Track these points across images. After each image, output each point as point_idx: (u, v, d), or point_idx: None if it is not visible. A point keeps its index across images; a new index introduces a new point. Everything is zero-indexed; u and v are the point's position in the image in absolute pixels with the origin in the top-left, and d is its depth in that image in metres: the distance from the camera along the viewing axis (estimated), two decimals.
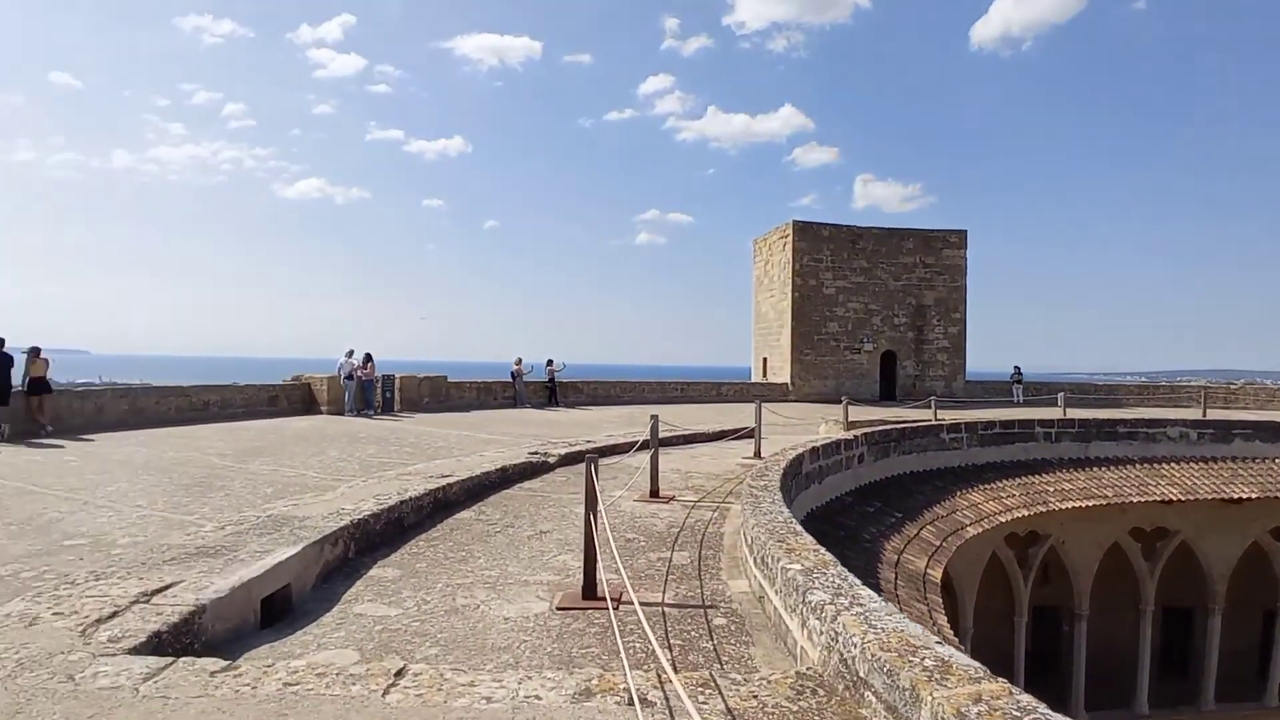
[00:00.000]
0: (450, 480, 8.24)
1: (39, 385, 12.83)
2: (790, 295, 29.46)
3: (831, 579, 4.22)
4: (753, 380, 32.99)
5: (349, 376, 18.25)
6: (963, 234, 30.75)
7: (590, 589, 5.26)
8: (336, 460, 11.46)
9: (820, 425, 19.51)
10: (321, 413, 18.35)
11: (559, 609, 5.07)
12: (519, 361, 23.36)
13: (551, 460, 10.62)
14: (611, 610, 4.49)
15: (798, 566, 4.41)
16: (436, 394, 20.95)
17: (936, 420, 17.27)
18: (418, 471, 9.04)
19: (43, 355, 12.97)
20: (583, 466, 5.46)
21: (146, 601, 4.29)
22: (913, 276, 30.56)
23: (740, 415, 22.15)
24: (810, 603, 3.94)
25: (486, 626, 4.77)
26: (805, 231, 29.66)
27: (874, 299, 30.33)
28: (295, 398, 18.32)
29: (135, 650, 3.67)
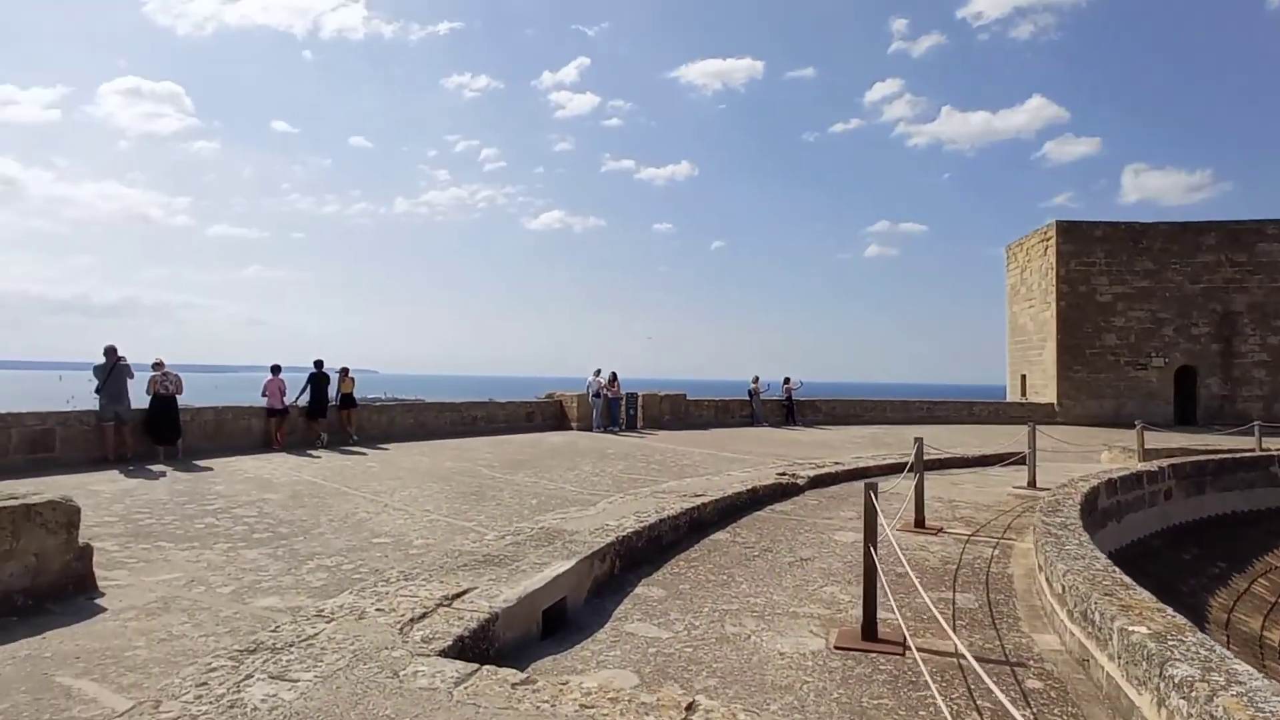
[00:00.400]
0: (703, 500, 8.16)
1: (348, 400, 14.95)
2: (1055, 304, 26.25)
3: (1194, 649, 3.44)
4: (1009, 400, 29.86)
5: (596, 394, 19.20)
6: None
7: (870, 629, 4.82)
8: (590, 475, 11.98)
9: (1102, 453, 17.05)
10: (572, 428, 19.48)
11: (837, 648, 4.69)
12: (756, 380, 23.15)
13: (800, 482, 10.21)
14: (902, 657, 4.04)
15: (1144, 630, 3.66)
16: (676, 412, 21.37)
17: (1264, 450, 14.30)
18: (670, 490, 9.10)
19: (350, 375, 15.10)
20: (835, 489, 5.09)
21: (449, 605, 4.59)
22: (1216, 278, 25.83)
23: (999, 438, 20.05)
24: (1171, 678, 3.21)
25: (762, 660, 4.53)
26: (1071, 232, 26.33)
27: (1164, 306, 26.08)
28: (549, 414, 19.65)
29: (444, 653, 3.90)
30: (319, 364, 14.83)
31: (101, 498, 8.83)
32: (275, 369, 14.13)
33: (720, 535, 7.76)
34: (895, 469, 12.05)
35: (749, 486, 9.31)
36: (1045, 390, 27.11)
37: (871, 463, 12.83)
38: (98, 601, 5.35)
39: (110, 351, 11.40)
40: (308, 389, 14.47)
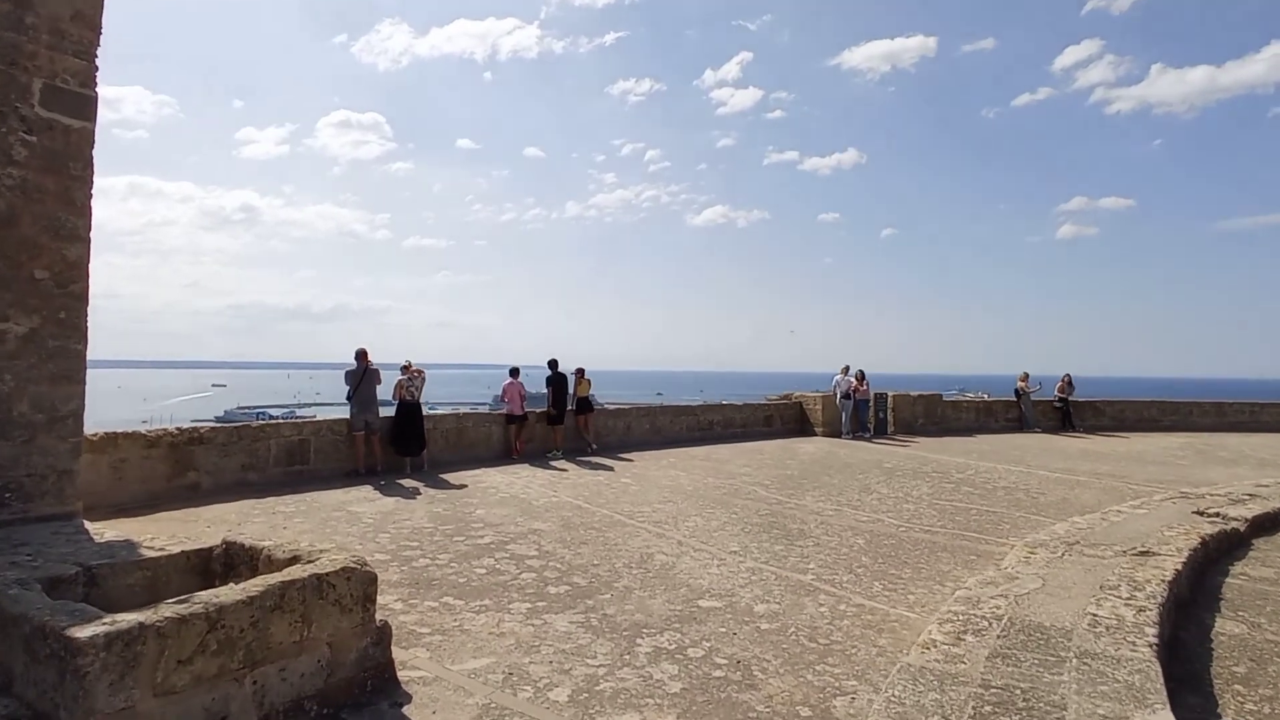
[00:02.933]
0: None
1: (584, 404, 13.52)
2: None
3: None
4: None
5: (846, 395, 16.67)
6: None
7: None
8: (898, 501, 9.56)
9: None
10: (815, 434, 17.09)
11: None
12: (1025, 377, 19.50)
13: (1240, 527, 7.20)
14: None
15: None
16: (931, 414, 18.34)
17: None
18: (1098, 540, 6.47)
19: (586, 376, 13.67)
20: None
21: None
22: None
23: None
24: None
25: None
26: None
27: None
28: (788, 417, 17.39)
29: None
30: (554, 364, 13.49)
31: (364, 523, 7.67)
32: (514, 371, 12.93)
33: None
34: None
35: (1198, 538, 6.46)
36: None
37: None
38: (405, 710, 3.75)
39: (361, 355, 10.55)
40: (548, 392, 13.18)
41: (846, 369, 16.89)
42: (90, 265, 7.01)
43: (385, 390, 10.82)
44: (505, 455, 12.47)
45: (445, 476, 10.47)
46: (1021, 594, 4.82)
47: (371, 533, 7.28)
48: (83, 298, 6.96)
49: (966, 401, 19.30)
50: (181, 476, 8.43)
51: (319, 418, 10.35)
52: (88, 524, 6.65)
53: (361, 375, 10.33)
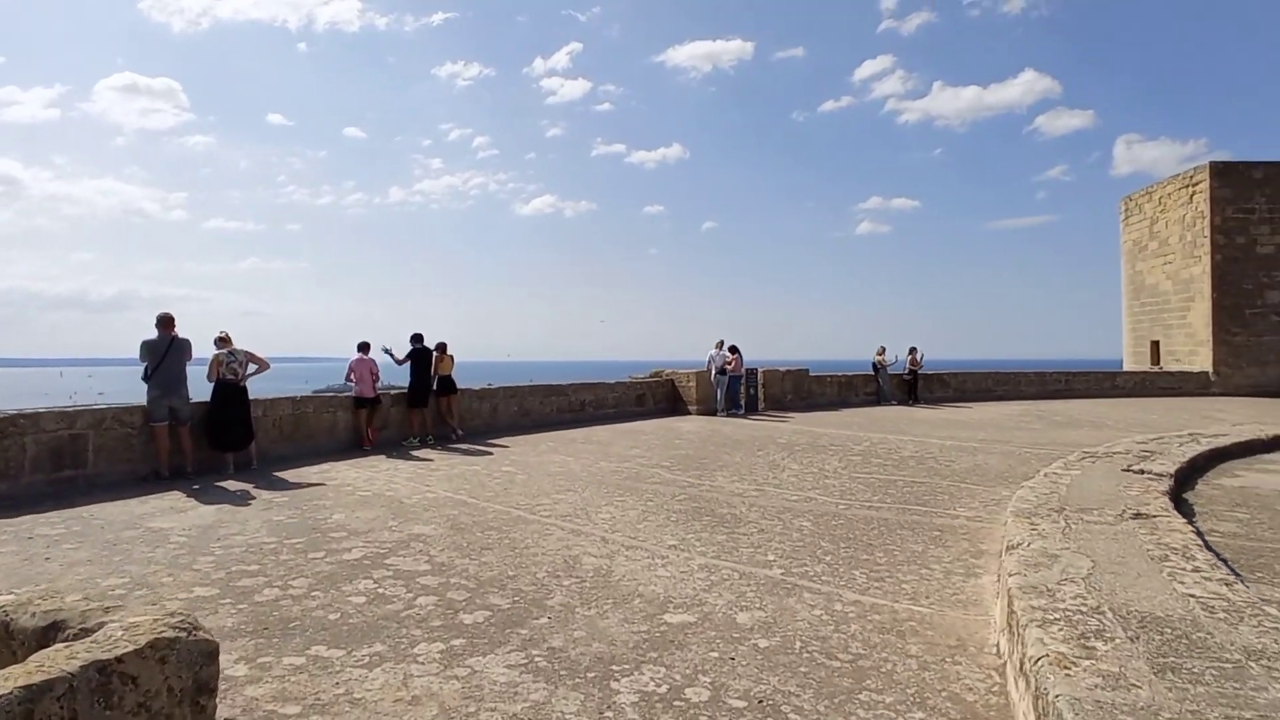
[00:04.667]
0: None
1: (448, 385, 11.65)
2: (1208, 258, 22.87)
3: None
4: (1127, 369, 26.53)
5: (721, 371, 15.89)
6: None
7: None
8: (816, 478, 8.75)
9: None
10: (689, 412, 16.20)
11: None
12: (882, 351, 19.84)
13: (1170, 484, 6.99)
14: None
15: None
16: (799, 390, 18.10)
17: None
18: (1080, 505, 5.83)
19: (449, 353, 11.80)
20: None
21: None
22: None
23: (1179, 413, 16.83)
24: None
25: None
26: (1228, 174, 22.87)
27: None
28: (660, 395, 16.37)
29: None
30: (418, 338, 11.49)
31: (173, 544, 5.57)
32: (364, 346, 10.79)
33: None
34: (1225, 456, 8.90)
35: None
36: (1192, 358, 23.80)
37: (1151, 448, 9.58)
38: None
39: (165, 322, 8.05)
40: (410, 369, 11.16)
41: (721, 344, 16.15)
42: None
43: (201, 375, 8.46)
44: (355, 446, 10.39)
45: (283, 475, 8.34)
46: (1081, 574, 3.94)
47: (186, 557, 5.25)
48: None
49: (830, 377, 19.34)
50: None
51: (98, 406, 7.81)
52: None
53: (165, 349, 7.91)
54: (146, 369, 7.86)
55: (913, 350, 20.39)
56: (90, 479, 7.30)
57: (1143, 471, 7.56)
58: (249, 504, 6.91)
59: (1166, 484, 6.97)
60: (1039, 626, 3.25)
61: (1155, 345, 25.82)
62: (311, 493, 7.48)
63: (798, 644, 3.97)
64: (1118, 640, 3.09)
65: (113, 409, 7.62)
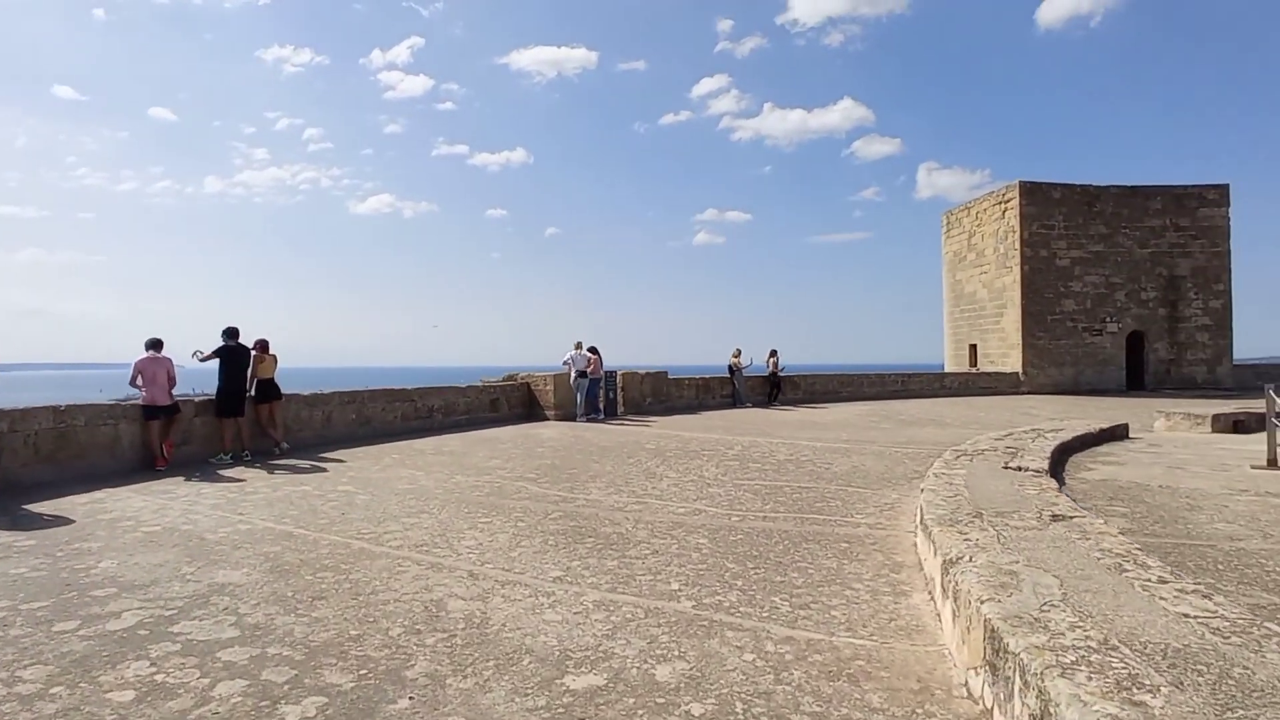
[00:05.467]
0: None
1: (270, 389, 9.84)
2: (1019, 269, 24.96)
3: None
4: (949, 371, 28.57)
5: (582, 374, 14.93)
6: (1224, 189, 25.54)
7: None
8: (698, 486, 8.05)
9: (1158, 421, 15.12)
10: (547, 417, 15.09)
11: None
12: (738, 354, 19.74)
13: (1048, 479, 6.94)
14: None
15: None
16: (658, 393, 17.52)
17: None
18: (988, 509, 5.42)
19: (271, 351, 9.98)
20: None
21: None
22: (1162, 242, 25.61)
23: (1002, 410, 18.06)
24: None
25: None
26: (1034, 193, 25.10)
27: (1116, 270, 25.54)
28: (515, 400, 15.13)
29: None
30: (233, 333, 9.56)
31: None
32: (155, 344, 8.76)
33: None
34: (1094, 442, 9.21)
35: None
36: (1005, 360, 25.88)
37: (995, 442, 9.81)
38: None
39: None
40: (220, 370, 9.23)
41: (580, 345, 15.21)
42: None
43: None
44: (145, 467, 8.41)
45: (33, 508, 6.41)
46: (1058, 596, 3.39)
47: None
48: None
49: (688, 380, 18.97)
50: None
51: None
52: None
53: None
54: None
55: (773, 353, 20.51)
56: None
57: (1021, 469, 7.49)
58: None
59: (1051, 481, 6.89)
60: (1062, 676, 2.59)
61: (974, 348, 27.94)
62: (72, 531, 5.72)
63: (739, 706, 3.13)
64: (1164, 690, 2.48)
65: None
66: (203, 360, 9.24)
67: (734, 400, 19.66)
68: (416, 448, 10.85)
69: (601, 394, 15.89)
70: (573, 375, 15.03)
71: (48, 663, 3.41)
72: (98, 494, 7.08)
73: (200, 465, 8.87)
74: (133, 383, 8.45)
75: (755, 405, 19.50)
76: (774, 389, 20.31)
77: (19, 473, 7.11)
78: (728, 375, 19.91)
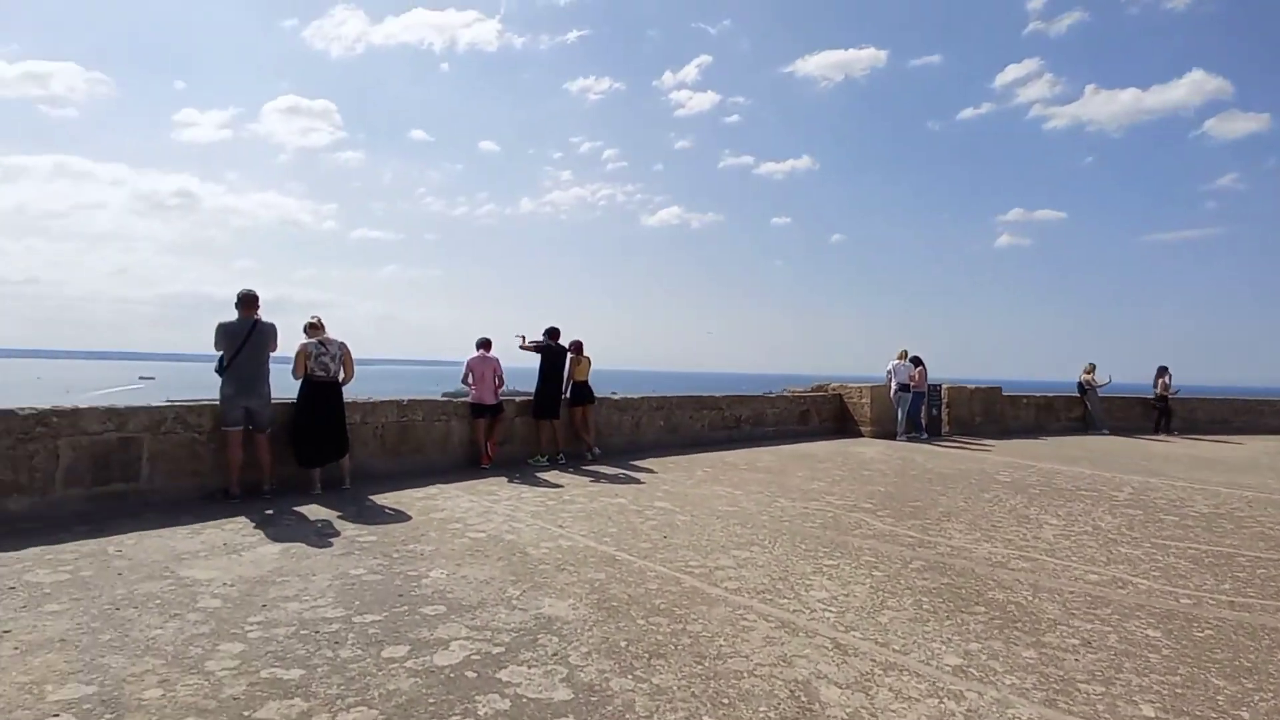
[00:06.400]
0: None
1: (584, 392, 9.68)
2: None
3: None
4: None
5: (904, 387, 13.14)
6: None
7: None
8: (1103, 543, 6.05)
9: None
10: (862, 434, 13.53)
11: None
12: (1091, 369, 16.32)
13: None
14: None
15: None
16: (989, 412, 15.00)
17: None
18: None
19: (585, 353, 9.83)
20: None
21: None
22: None
23: None
24: None
25: None
26: None
27: None
28: (827, 413, 13.82)
29: None
30: (553, 333, 9.58)
31: (198, 613, 3.74)
32: (484, 343, 8.99)
33: None
34: None
35: None
36: None
37: None
38: None
39: (246, 302, 6.43)
40: (539, 371, 9.27)
41: (904, 354, 13.39)
42: None
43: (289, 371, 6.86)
44: (471, 464, 8.56)
45: (378, 500, 6.56)
46: None
47: (204, 642, 3.39)
48: None
49: (1026, 398, 16.04)
50: None
51: (165, 400, 6.30)
52: None
53: (245, 335, 6.32)
54: (221, 360, 6.29)
55: (1163, 371, 16.64)
56: (143, 495, 5.76)
57: None
58: (325, 545, 5.08)
59: None
60: None
61: None
62: (408, 530, 5.60)
63: None
64: None
65: (174, 408, 6.09)
66: (523, 347, 9.26)
67: (1085, 424, 16.25)
68: (728, 460, 10.01)
69: (924, 410, 13.88)
70: (893, 388, 13.24)
71: (372, 704, 2.88)
72: (431, 489, 7.15)
73: (519, 466, 8.85)
74: (464, 380, 8.66)
75: (1114, 432, 15.91)
76: (1162, 416, 16.44)
77: (368, 462, 7.48)
78: (1077, 395, 16.52)
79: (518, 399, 9.40)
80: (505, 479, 7.97)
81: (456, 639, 3.55)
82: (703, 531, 5.97)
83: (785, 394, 13.79)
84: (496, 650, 3.44)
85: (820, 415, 13.72)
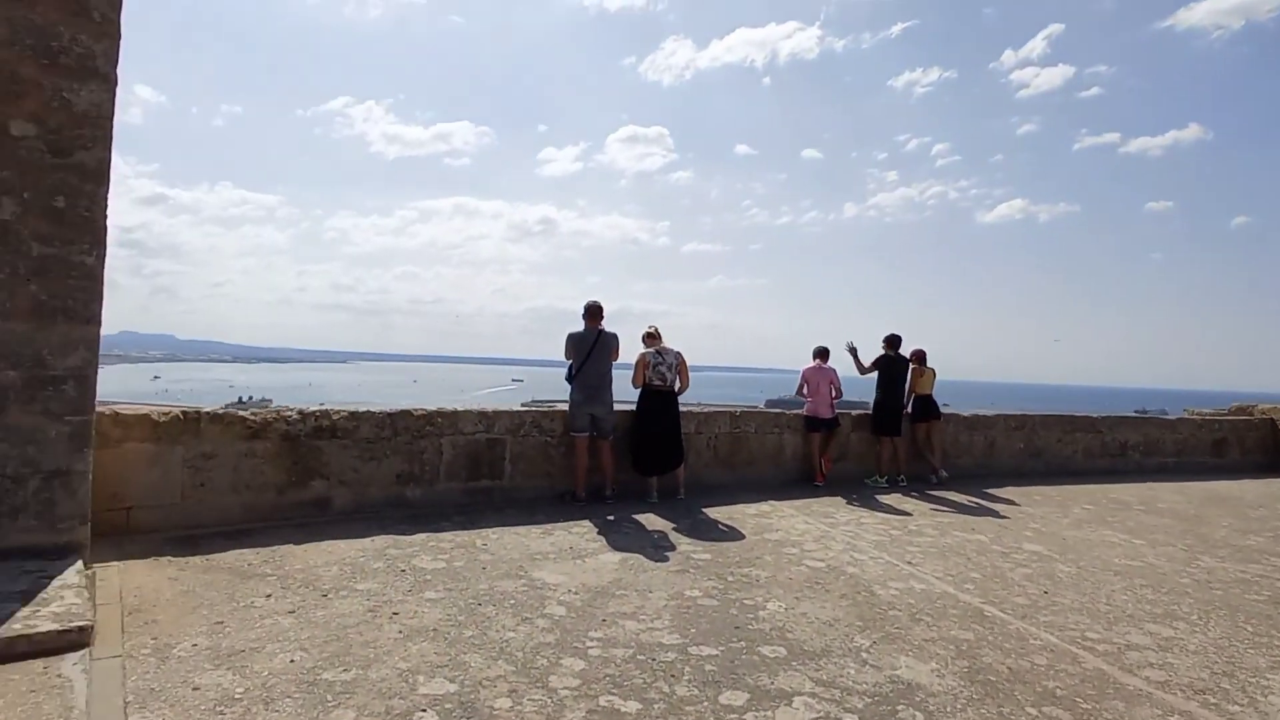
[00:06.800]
0: None
1: (928, 407, 8.66)
2: None
3: None
4: None
5: None
6: None
7: None
8: None
9: None
10: None
11: None
12: None
13: None
14: None
15: None
16: None
17: None
18: None
19: (929, 365, 8.79)
20: None
21: None
22: None
23: None
24: None
25: None
26: None
27: None
28: (1251, 443, 10.82)
29: None
30: (893, 342, 8.75)
31: (546, 620, 3.81)
32: (821, 353, 8.46)
33: None
34: None
35: None
36: None
37: None
38: None
39: (591, 312, 6.75)
40: (877, 382, 8.54)
41: None
42: (113, 124, 4.05)
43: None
44: (804, 481, 8.10)
45: (711, 514, 6.42)
46: None
47: (548, 654, 3.39)
48: (99, 176, 4.00)
49: None
50: (302, 487, 5.35)
51: (516, 405, 6.89)
52: (68, 574, 3.61)
53: (591, 345, 6.65)
54: (570, 368, 6.67)
55: None
56: (506, 493, 6.30)
57: None
58: (661, 559, 4.99)
59: None
60: None
61: None
62: (743, 550, 5.31)
63: None
64: None
65: (531, 413, 6.58)
66: (864, 372, 8.55)
67: None
68: (1114, 497, 8.19)
69: None
70: None
71: None
72: (764, 505, 6.83)
73: (855, 486, 8.15)
74: (799, 392, 8.22)
75: None
76: None
77: (701, 473, 7.42)
78: None
79: (854, 413, 8.70)
80: (842, 500, 7.37)
81: (800, 694, 3.11)
82: (1096, 591, 4.78)
83: (1190, 416, 11.02)
84: (848, 718, 2.92)
85: (1242, 446, 10.71)
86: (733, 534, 5.75)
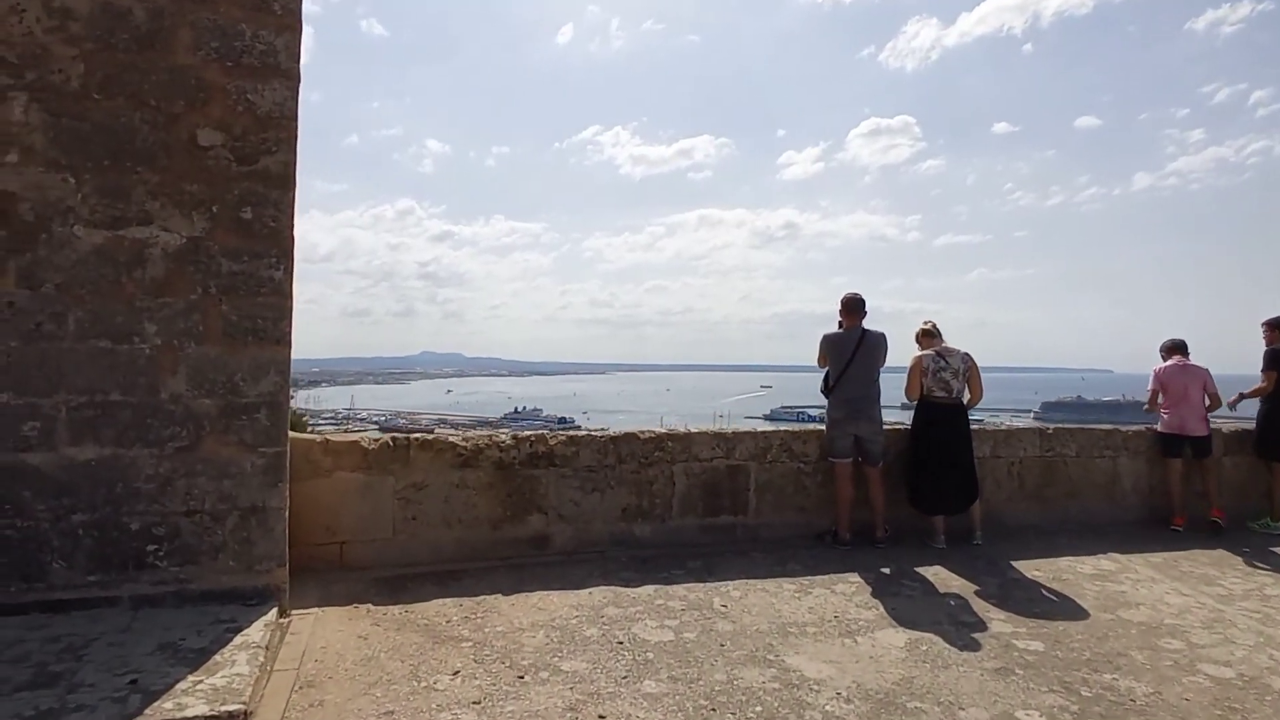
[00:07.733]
0: None
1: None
2: None
3: None
4: None
5: None
6: None
7: None
8: None
9: None
10: None
11: None
12: None
13: None
14: None
15: None
16: None
17: None
18: None
19: None
20: None
21: None
22: None
23: None
24: None
25: None
26: None
27: None
28: None
29: None
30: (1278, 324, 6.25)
31: None
32: (1177, 347, 6.16)
33: None
34: None
35: None
36: None
37: None
38: None
39: (851, 307, 5.38)
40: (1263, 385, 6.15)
41: None
42: (298, 122, 3.64)
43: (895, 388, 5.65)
44: (1154, 522, 5.98)
45: (1024, 569, 4.77)
46: None
47: None
48: (284, 181, 3.62)
49: None
50: (519, 521, 4.70)
51: (775, 426, 5.70)
52: (254, 629, 3.19)
53: (853, 349, 5.32)
54: (826, 377, 5.39)
55: None
56: (750, 530, 5.19)
57: None
58: (969, 646, 3.56)
59: None
60: None
61: None
62: (1089, 637, 3.67)
63: None
64: None
65: (780, 434, 5.39)
66: (1232, 405, 6.20)
67: None
68: None
69: None
70: None
71: None
72: (1101, 561, 4.99)
73: (1234, 532, 5.86)
74: (1151, 403, 6.08)
75: None
76: None
77: (1001, 509, 5.72)
78: None
79: (1224, 429, 6.33)
80: (1225, 552, 5.24)
81: None
82: None
83: None
84: None
85: None
86: (1065, 606, 4.11)
